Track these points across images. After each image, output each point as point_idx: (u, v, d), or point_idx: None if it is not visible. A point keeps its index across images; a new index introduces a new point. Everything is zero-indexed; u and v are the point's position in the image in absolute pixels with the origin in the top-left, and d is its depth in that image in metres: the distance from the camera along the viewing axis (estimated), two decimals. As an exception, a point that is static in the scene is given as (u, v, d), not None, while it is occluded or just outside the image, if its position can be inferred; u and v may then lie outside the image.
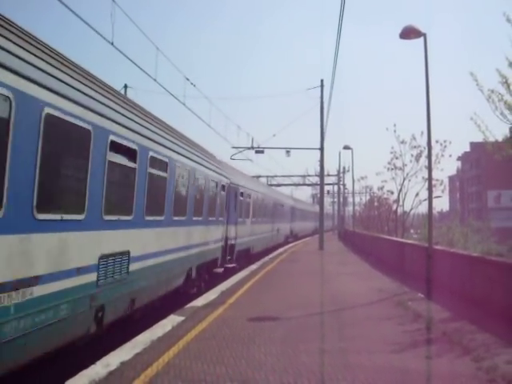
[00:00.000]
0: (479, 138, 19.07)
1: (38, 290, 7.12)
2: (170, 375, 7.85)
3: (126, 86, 32.78)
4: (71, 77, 8.25)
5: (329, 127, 50.17)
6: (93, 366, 8.24)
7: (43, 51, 7.69)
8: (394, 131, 32.21)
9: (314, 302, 14.63)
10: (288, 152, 45.10)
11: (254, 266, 25.37)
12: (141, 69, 17.80)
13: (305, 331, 11.02)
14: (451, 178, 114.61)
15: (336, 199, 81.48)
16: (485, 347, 9.48)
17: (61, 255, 7.79)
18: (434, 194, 19.88)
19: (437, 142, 28.25)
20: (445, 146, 29.56)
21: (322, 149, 40.05)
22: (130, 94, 33.22)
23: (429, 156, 18.35)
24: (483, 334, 10.52)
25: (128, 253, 10.35)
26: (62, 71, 7.96)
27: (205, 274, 18.31)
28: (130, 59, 16.70)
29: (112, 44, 14.76)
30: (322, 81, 39.57)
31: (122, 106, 10.36)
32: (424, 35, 16.62)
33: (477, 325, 11.33)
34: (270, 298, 15.49)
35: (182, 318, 12.13)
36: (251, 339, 10.16)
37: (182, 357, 8.86)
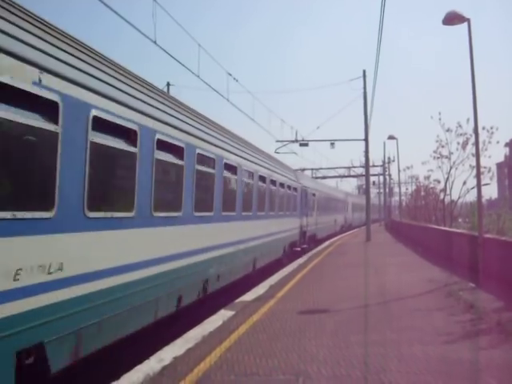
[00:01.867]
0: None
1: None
2: (222, 369, 7.95)
3: (168, 84, 33.16)
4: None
5: (373, 117, 49.81)
6: (147, 361, 8.40)
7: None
8: (439, 119, 31.67)
9: (363, 294, 14.56)
10: (332, 144, 44.92)
11: (301, 260, 25.39)
12: (184, 66, 18.03)
13: (355, 323, 11.00)
14: (499, 165, 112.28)
15: (382, 190, 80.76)
16: (541, 337, 9.30)
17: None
18: (482, 182, 19.53)
19: (483, 128, 27.58)
20: (492, 133, 28.82)
21: (366, 140, 39.74)
22: (173, 92, 33.60)
23: (476, 143, 18.04)
24: (539, 324, 10.31)
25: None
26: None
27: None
28: (173, 57, 16.95)
29: (155, 43, 14.95)
30: (364, 71, 39.31)
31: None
32: (468, 20, 16.34)
33: (531, 314, 11.11)
34: (319, 291, 15.50)
35: (233, 313, 12.25)
36: (302, 332, 10.21)
37: (233, 351, 8.96)
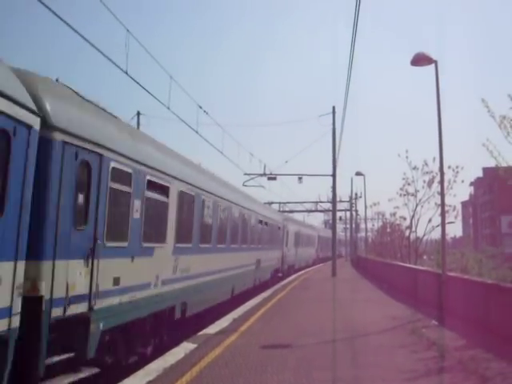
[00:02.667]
0: (492, 163, 18.93)
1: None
2: (182, 404, 7.79)
3: (138, 114, 33.12)
4: None
5: (341, 153, 50.34)
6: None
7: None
8: (406, 157, 32.05)
9: (327, 330, 14.51)
10: (300, 179, 45.16)
11: (265, 294, 25.25)
12: (154, 97, 17.93)
13: (318, 359, 10.92)
14: (464, 204, 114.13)
15: (348, 225, 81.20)
16: (502, 376, 9.34)
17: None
18: (446, 220, 19.78)
19: (449, 167, 27.94)
20: (457, 172, 29.20)
21: (334, 175, 40.05)
22: (143, 121, 33.52)
23: (441, 182, 18.34)
24: (499, 363, 10.37)
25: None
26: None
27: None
28: (144, 88, 16.81)
29: (126, 73, 14.92)
30: (333, 107, 39.75)
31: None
32: (435, 62, 16.72)
33: (493, 353, 11.17)
34: (283, 326, 15.39)
35: (195, 346, 12.07)
36: (264, 367, 10.08)
37: (194, 385, 8.81)
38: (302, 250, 51.47)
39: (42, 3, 10.66)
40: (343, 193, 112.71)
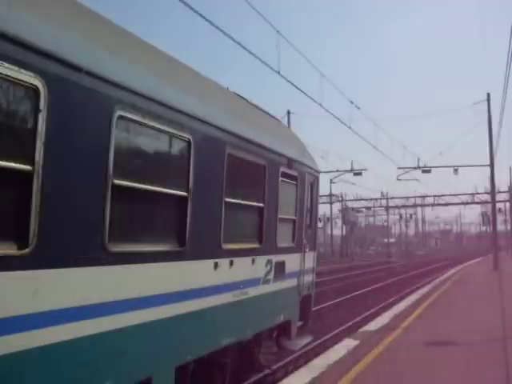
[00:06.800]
0: None
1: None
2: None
3: (288, 113, 33.57)
4: None
5: (501, 140, 47.99)
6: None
7: None
8: None
9: (495, 327, 13.75)
10: (456, 170, 43.69)
11: (425, 289, 24.60)
12: (307, 95, 18.11)
13: (489, 357, 10.35)
14: None
15: (509, 217, 77.12)
16: None
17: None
18: None
19: None
20: None
21: (492, 165, 38.21)
22: (293, 119, 34.02)
23: None
24: None
25: None
26: None
27: None
28: (296, 87, 17.02)
29: (279, 73, 15.15)
30: (488, 94, 37.91)
31: None
32: None
33: None
34: (445, 322, 14.86)
35: (357, 342, 11.95)
36: (430, 364, 9.75)
37: (359, 381, 8.69)
38: None
39: (203, 17, 11.06)
40: (502, 183, 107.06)
